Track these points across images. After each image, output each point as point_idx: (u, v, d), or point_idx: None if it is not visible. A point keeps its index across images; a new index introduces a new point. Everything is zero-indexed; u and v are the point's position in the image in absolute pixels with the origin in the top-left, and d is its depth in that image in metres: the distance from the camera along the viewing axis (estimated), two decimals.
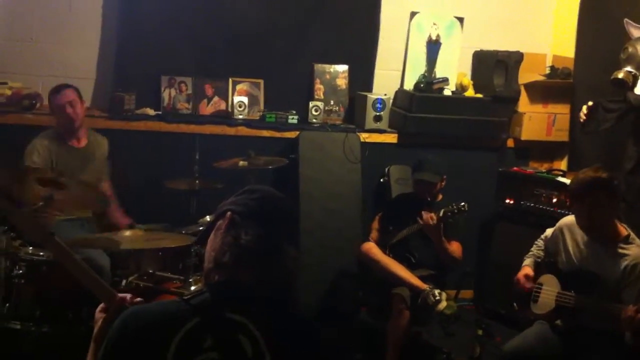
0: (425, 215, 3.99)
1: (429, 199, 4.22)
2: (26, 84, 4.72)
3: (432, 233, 4.01)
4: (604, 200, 3.15)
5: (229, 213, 1.69)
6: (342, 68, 5.23)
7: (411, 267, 4.10)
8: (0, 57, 4.72)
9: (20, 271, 3.37)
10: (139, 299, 1.86)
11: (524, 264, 3.59)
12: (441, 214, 3.95)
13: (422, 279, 4.00)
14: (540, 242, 3.64)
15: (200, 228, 3.90)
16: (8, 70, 4.75)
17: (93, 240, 3.67)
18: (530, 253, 3.64)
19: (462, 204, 3.92)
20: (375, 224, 4.50)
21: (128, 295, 1.89)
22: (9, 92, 4.60)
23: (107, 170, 4.42)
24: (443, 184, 4.26)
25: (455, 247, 4.11)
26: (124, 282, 3.36)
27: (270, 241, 1.66)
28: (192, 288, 3.28)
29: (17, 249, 3.42)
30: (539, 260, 3.57)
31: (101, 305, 1.85)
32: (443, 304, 3.83)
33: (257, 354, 1.52)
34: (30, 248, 3.45)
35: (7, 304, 3.35)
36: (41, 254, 3.42)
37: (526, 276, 3.49)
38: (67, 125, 4.18)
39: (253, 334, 1.53)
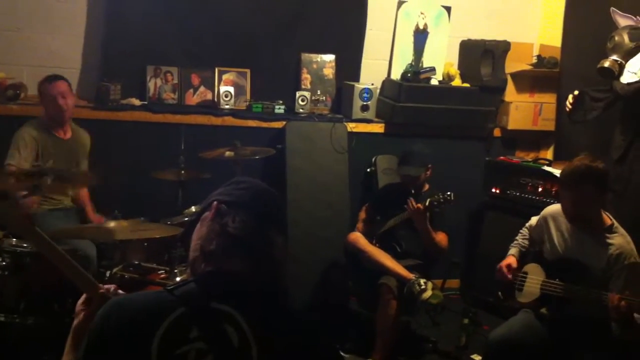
0: (412, 203, 3.99)
1: (412, 191, 4.22)
2: (10, 74, 4.67)
3: (418, 222, 4.01)
4: (595, 190, 3.15)
5: (215, 202, 1.67)
6: (329, 58, 5.21)
7: (397, 256, 4.11)
8: None
9: (4, 263, 3.35)
10: (121, 291, 1.85)
11: (509, 253, 3.60)
12: (427, 203, 3.95)
13: (409, 268, 4.01)
14: (525, 231, 3.65)
15: (186, 219, 3.88)
16: None
17: (79, 230, 3.65)
18: (516, 242, 3.65)
19: (448, 193, 3.92)
20: (362, 214, 4.50)
21: (112, 287, 1.87)
22: None
23: (87, 165, 4.43)
24: (429, 173, 4.26)
25: (441, 237, 4.12)
26: (108, 273, 3.34)
27: (257, 229, 1.65)
28: (178, 279, 3.27)
29: (1, 240, 3.39)
30: (524, 249, 3.59)
31: (82, 297, 1.83)
32: (428, 293, 3.84)
33: (244, 344, 1.51)
34: (14, 240, 3.42)
35: None
36: (25, 245, 3.39)
37: (508, 266, 3.50)
38: (56, 116, 4.19)
39: (239, 324, 1.52)
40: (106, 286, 1.86)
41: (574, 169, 3.19)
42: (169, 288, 1.58)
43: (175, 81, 4.96)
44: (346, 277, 4.54)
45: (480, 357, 4.07)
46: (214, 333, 1.52)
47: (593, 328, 3.13)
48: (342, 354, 3.98)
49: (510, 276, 3.47)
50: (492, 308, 4.64)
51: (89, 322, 1.63)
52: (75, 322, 1.79)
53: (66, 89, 4.19)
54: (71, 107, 4.22)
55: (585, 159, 3.20)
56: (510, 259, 3.54)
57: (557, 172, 4.57)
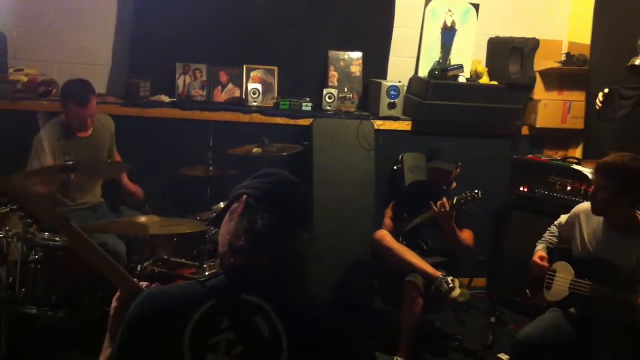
0: (438, 203, 3.98)
1: (444, 187, 4.22)
2: (42, 70, 4.75)
3: (443, 221, 4.00)
4: (622, 185, 3.10)
5: (244, 197, 1.70)
6: (357, 55, 5.21)
7: (424, 254, 4.11)
8: (16, 43, 4.74)
9: (37, 256, 3.41)
10: (155, 286, 1.87)
11: (536, 249, 3.57)
12: (454, 201, 3.94)
13: (435, 266, 4.00)
14: (554, 229, 3.62)
15: (215, 215, 3.90)
16: (24, 57, 4.77)
17: (108, 225, 3.70)
18: (543, 239, 3.62)
19: (476, 192, 3.91)
20: (389, 212, 4.50)
21: (144, 284, 1.90)
22: (25, 79, 4.63)
23: (115, 149, 4.45)
24: (458, 171, 4.26)
25: (467, 235, 4.11)
26: (139, 268, 3.37)
27: (285, 226, 1.67)
28: (207, 274, 3.30)
29: (33, 234, 3.44)
30: (552, 246, 3.56)
31: (117, 294, 1.86)
32: (457, 292, 3.83)
33: (274, 335, 1.53)
34: (47, 234, 3.47)
35: (24, 289, 3.38)
36: (57, 239, 3.45)
37: (541, 258, 3.48)
38: (80, 127, 4.15)
39: (269, 315, 1.54)
40: (140, 283, 1.89)
41: (618, 158, 3.15)
42: (200, 280, 1.61)
43: (204, 78, 5.00)
44: (371, 274, 4.55)
45: (507, 357, 4.04)
46: (244, 324, 1.54)
47: (621, 330, 3.10)
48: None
49: (546, 264, 3.44)
50: (519, 307, 4.63)
51: (122, 315, 1.66)
52: (112, 316, 1.82)
53: (94, 107, 4.11)
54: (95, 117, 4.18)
55: (623, 155, 3.16)
56: (540, 253, 3.51)
57: (586, 170, 4.54)
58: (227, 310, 1.54)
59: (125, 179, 4.40)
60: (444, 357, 4.27)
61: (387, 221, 4.46)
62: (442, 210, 3.95)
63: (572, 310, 3.30)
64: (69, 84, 4.13)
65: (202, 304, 1.54)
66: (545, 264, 3.46)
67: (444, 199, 3.97)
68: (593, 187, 3.24)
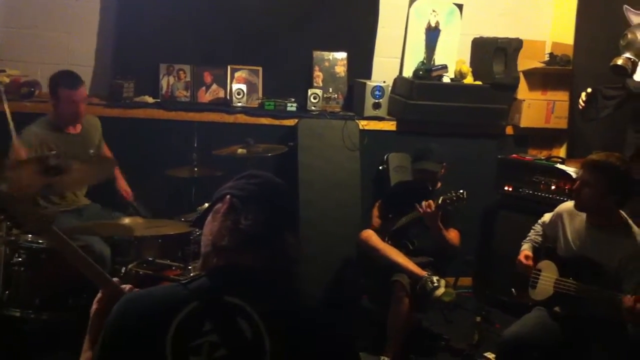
0: (424, 203, 3.99)
1: (430, 188, 4.23)
2: (24, 71, 4.70)
3: (429, 221, 4.01)
4: (605, 183, 3.12)
5: (228, 197, 1.68)
6: (341, 55, 5.21)
7: (410, 254, 4.12)
8: None
9: (20, 259, 3.38)
10: (137, 289, 1.86)
11: (522, 249, 3.59)
12: (440, 201, 3.95)
13: (421, 265, 4.01)
14: (538, 227, 3.64)
15: (198, 215, 3.89)
16: (6, 58, 4.73)
17: (93, 227, 3.67)
18: (528, 238, 3.64)
19: (461, 191, 3.92)
20: (375, 212, 4.51)
21: (127, 286, 1.89)
22: (7, 80, 4.57)
23: (103, 145, 4.41)
24: (443, 171, 4.27)
25: (453, 235, 4.12)
26: (123, 269, 3.36)
27: (269, 226, 1.66)
28: (190, 275, 3.28)
29: (17, 236, 3.41)
30: (537, 245, 3.58)
31: (98, 296, 1.84)
32: (441, 290, 3.84)
33: (257, 337, 1.52)
34: (30, 236, 3.44)
35: (7, 292, 3.36)
36: (40, 241, 3.42)
37: (526, 256, 3.49)
38: (70, 118, 4.12)
39: (252, 317, 1.53)
40: (122, 286, 1.88)
41: (603, 155, 3.20)
42: (182, 282, 1.60)
43: (188, 79, 4.98)
44: (358, 274, 4.55)
45: (493, 355, 4.05)
46: (226, 326, 1.53)
47: (606, 328, 3.11)
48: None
49: (531, 263, 3.45)
50: (505, 306, 4.64)
51: (103, 317, 1.64)
52: (92, 318, 1.80)
53: (85, 94, 4.13)
54: (85, 110, 4.17)
55: (612, 155, 3.20)
56: (526, 252, 3.53)
57: (570, 170, 4.56)
58: (210, 312, 1.53)
59: (120, 179, 4.37)
60: (431, 356, 4.28)
61: (374, 221, 4.46)
62: (428, 210, 3.96)
63: (557, 309, 3.32)
64: (58, 73, 4.12)
65: (184, 306, 1.53)
66: (530, 262, 3.47)
67: (430, 201, 3.98)
68: (578, 182, 3.25)
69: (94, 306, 1.83)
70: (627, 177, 3.15)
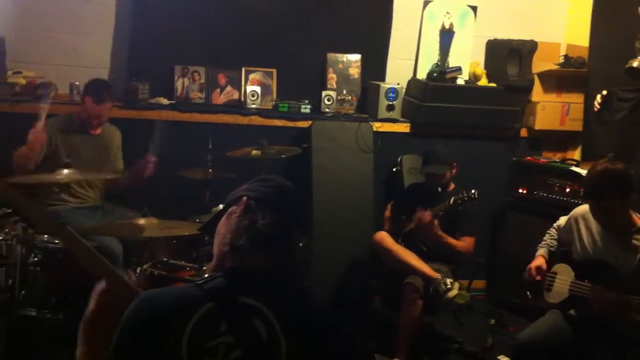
0: (419, 213, 3.99)
1: (439, 190, 4.22)
2: (40, 73, 4.75)
3: (425, 231, 4.01)
4: (619, 193, 3.11)
5: (244, 198, 1.70)
6: (355, 57, 5.22)
7: (423, 256, 4.11)
8: (14, 46, 4.75)
9: (36, 259, 3.40)
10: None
11: (537, 253, 3.57)
12: (451, 202, 3.94)
13: (437, 271, 3.99)
14: (553, 231, 3.62)
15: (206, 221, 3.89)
16: (22, 60, 4.78)
17: (109, 227, 3.69)
18: (544, 242, 3.62)
19: (472, 191, 3.89)
20: (387, 213, 4.50)
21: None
22: (23, 82, 4.63)
23: (121, 160, 4.48)
24: (454, 171, 4.25)
25: (465, 242, 4.11)
26: (138, 270, 3.37)
27: (285, 227, 1.67)
28: (206, 276, 3.29)
29: (32, 236, 3.43)
30: (553, 249, 3.56)
31: (99, 287, 1.75)
32: (453, 292, 3.84)
33: (273, 338, 1.52)
34: (45, 236, 3.47)
35: (23, 291, 3.37)
36: (56, 241, 3.44)
37: (538, 268, 3.47)
38: (91, 125, 4.24)
39: (268, 318, 1.53)
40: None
41: (595, 176, 3.15)
42: (198, 283, 1.60)
43: (203, 81, 5.00)
44: (370, 276, 4.54)
45: (507, 359, 4.04)
46: (242, 327, 1.54)
47: (620, 331, 3.10)
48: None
49: (539, 277, 3.44)
50: (518, 309, 4.63)
51: (105, 312, 1.66)
52: (89, 313, 1.71)
53: (109, 107, 4.23)
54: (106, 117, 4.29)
55: (605, 163, 3.16)
56: (540, 260, 3.50)
57: (585, 172, 4.53)
58: (225, 312, 1.54)
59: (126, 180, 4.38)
60: (443, 358, 4.28)
61: (387, 222, 4.46)
62: (422, 220, 3.96)
63: (572, 311, 3.30)
64: (93, 80, 4.28)
65: (200, 307, 1.53)
66: (538, 276, 3.45)
67: (425, 212, 3.97)
68: (595, 207, 3.23)
69: (95, 298, 1.73)
70: (627, 176, 3.14)
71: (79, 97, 4.57)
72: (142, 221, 3.40)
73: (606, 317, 3.13)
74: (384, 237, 4.22)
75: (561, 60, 5.37)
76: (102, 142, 4.35)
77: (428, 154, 4.30)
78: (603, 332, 3.16)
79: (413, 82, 5.24)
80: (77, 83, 4.63)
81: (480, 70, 5.24)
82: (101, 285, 1.74)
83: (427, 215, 3.96)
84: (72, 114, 4.28)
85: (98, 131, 4.31)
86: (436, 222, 3.97)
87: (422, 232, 4.05)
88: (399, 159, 5.13)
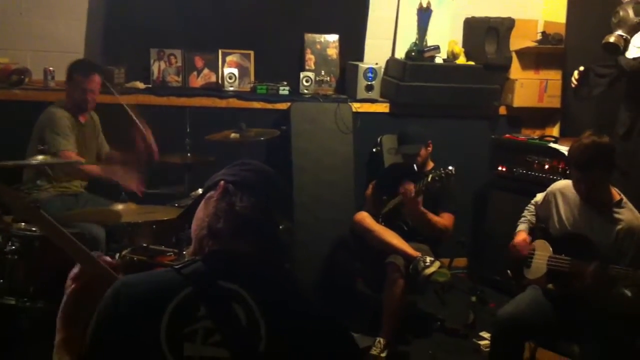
0: (403, 187, 3.98)
1: (416, 169, 4.22)
2: (14, 59, 4.68)
3: (410, 206, 4.00)
4: (605, 167, 3.13)
5: (222, 182, 1.68)
6: (333, 38, 5.19)
7: (404, 235, 4.11)
8: None
9: (13, 247, 3.36)
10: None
11: (518, 229, 3.57)
12: (429, 179, 3.92)
13: (419, 250, 3.99)
14: (531, 207, 3.63)
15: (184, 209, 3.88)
16: None
17: (88, 214, 3.67)
18: (524, 218, 3.63)
19: (450, 168, 3.86)
20: (369, 194, 4.50)
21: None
22: None
23: (106, 144, 4.49)
24: (429, 149, 4.23)
25: (445, 219, 4.10)
26: (117, 255, 3.35)
27: (264, 211, 1.66)
28: (185, 260, 3.27)
29: (10, 225, 3.40)
30: (532, 225, 3.57)
31: (73, 271, 1.72)
32: (431, 269, 3.83)
33: (252, 322, 1.51)
34: (23, 223, 3.43)
35: (1, 280, 3.34)
36: (34, 229, 3.40)
37: (523, 242, 3.48)
38: (81, 106, 4.21)
39: (247, 302, 1.52)
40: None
41: (584, 149, 3.12)
42: (176, 267, 1.59)
43: (179, 64, 4.95)
44: (352, 258, 4.55)
45: (488, 335, 4.08)
46: (221, 311, 1.52)
47: (599, 305, 3.13)
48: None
49: (526, 251, 3.44)
50: (499, 286, 4.67)
51: (81, 296, 1.64)
52: (65, 299, 1.69)
53: (99, 83, 4.21)
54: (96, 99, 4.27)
55: (592, 136, 3.16)
56: (523, 235, 3.50)
57: (563, 149, 4.56)
58: (204, 297, 1.52)
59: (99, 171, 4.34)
60: (426, 337, 4.30)
61: (368, 203, 4.46)
62: (407, 195, 3.95)
63: (550, 286, 3.32)
64: (76, 60, 4.29)
65: (178, 292, 1.51)
66: (526, 250, 3.44)
67: (409, 185, 3.96)
68: (574, 180, 3.24)
69: (70, 284, 1.71)
70: (614, 149, 3.16)
71: (53, 83, 4.52)
72: (121, 207, 3.38)
73: (586, 290, 3.15)
74: (364, 217, 4.22)
75: (539, 37, 5.38)
76: (91, 129, 4.36)
77: (402, 134, 4.30)
78: (583, 305, 3.18)
79: (391, 61, 5.23)
80: (51, 69, 4.58)
81: (459, 48, 5.24)
82: (75, 270, 1.71)
83: (411, 187, 3.94)
84: (64, 101, 4.21)
85: (86, 118, 4.30)
86: (420, 198, 3.96)
87: (406, 208, 4.04)
88: (379, 139, 5.13)
